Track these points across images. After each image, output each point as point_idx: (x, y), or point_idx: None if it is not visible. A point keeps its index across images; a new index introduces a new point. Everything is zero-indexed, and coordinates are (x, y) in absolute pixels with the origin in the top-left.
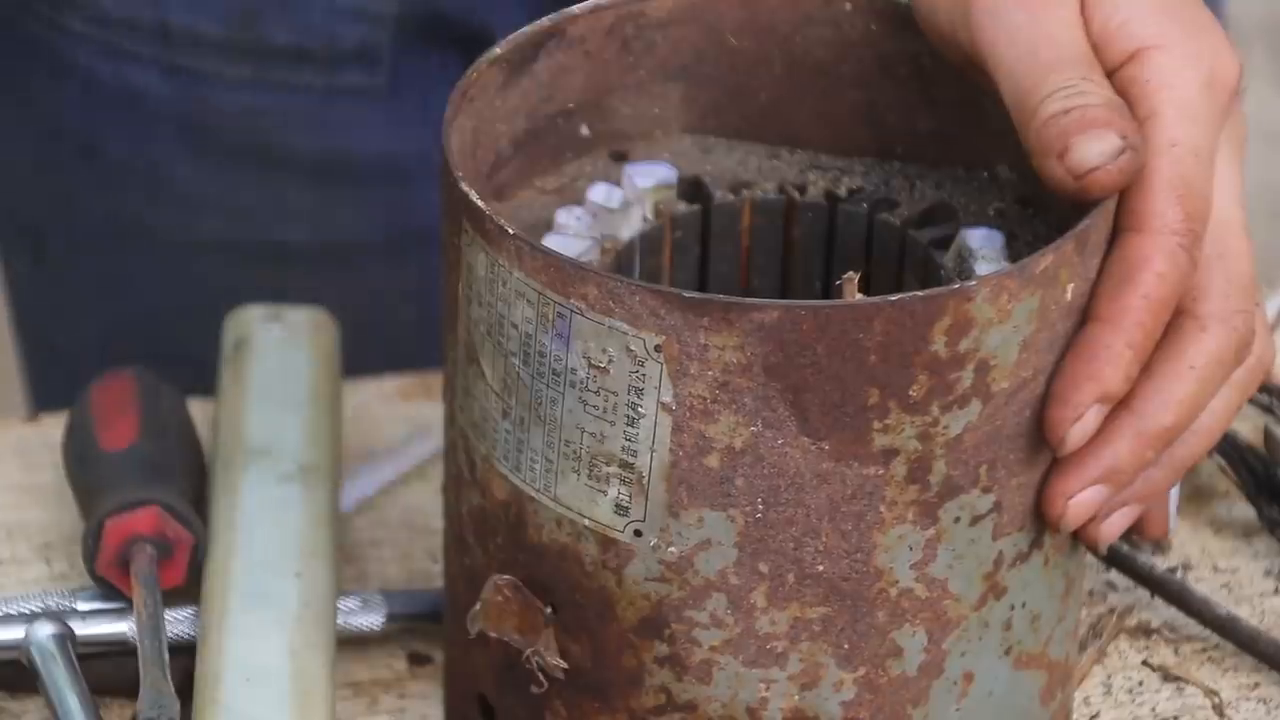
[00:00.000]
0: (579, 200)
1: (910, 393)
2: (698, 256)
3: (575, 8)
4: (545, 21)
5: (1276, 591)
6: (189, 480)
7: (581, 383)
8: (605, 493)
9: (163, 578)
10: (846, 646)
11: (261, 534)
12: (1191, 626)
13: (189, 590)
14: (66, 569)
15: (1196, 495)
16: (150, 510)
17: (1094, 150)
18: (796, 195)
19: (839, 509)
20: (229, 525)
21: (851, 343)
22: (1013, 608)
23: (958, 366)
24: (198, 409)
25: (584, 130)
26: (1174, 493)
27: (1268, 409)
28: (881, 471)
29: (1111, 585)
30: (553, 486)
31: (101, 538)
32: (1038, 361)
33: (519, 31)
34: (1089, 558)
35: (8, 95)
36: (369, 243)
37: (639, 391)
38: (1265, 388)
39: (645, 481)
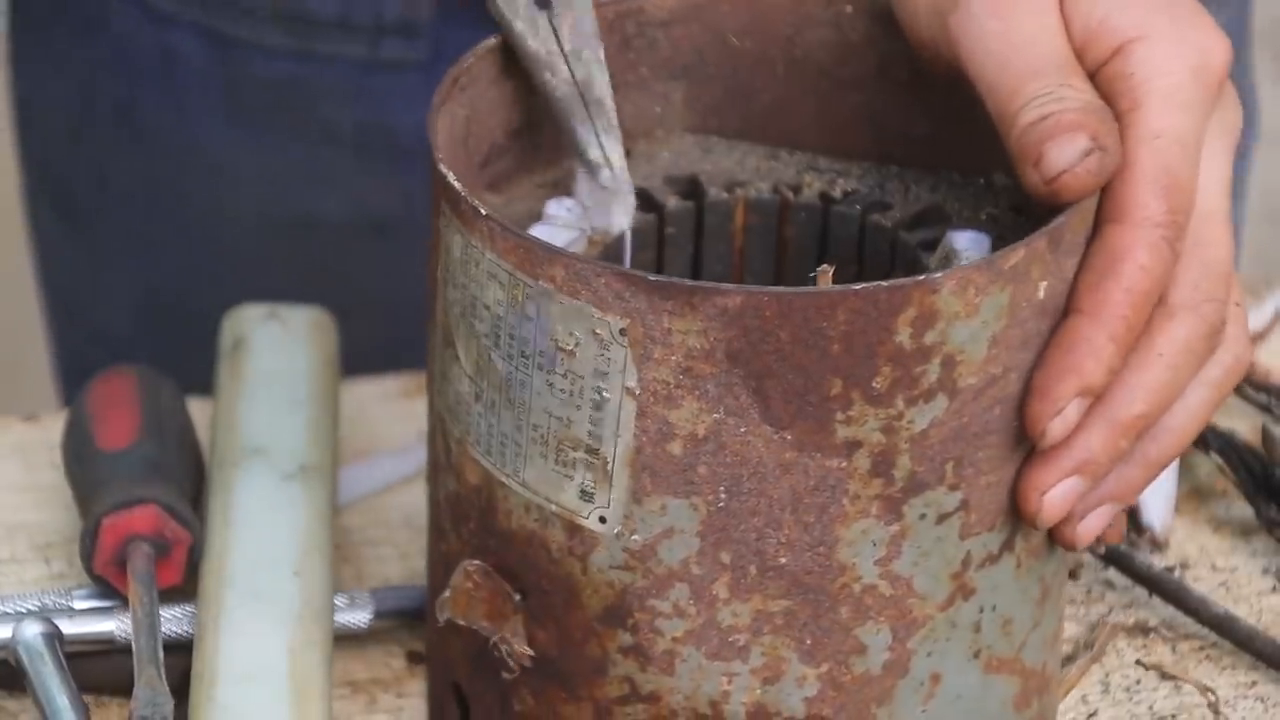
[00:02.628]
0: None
1: (874, 384)
2: (690, 254)
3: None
4: None
5: (1274, 590)
6: (188, 479)
7: (549, 365)
8: (571, 478)
9: (160, 577)
10: (809, 641)
11: (259, 533)
12: (1189, 625)
13: (186, 590)
14: (65, 569)
15: (1195, 494)
16: (148, 509)
17: (1063, 155)
18: (790, 195)
19: (801, 500)
20: (227, 524)
21: (814, 331)
22: (982, 610)
23: (923, 359)
24: (197, 408)
25: None
26: (1171, 491)
27: (1266, 409)
28: (844, 464)
29: (1109, 584)
30: (521, 471)
31: (99, 536)
32: (1008, 359)
33: None
34: (1087, 556)
35: (42, 57)
36: (403, 216)
37: (604, 375)
38: (1264, 387)
39: (610, 467)
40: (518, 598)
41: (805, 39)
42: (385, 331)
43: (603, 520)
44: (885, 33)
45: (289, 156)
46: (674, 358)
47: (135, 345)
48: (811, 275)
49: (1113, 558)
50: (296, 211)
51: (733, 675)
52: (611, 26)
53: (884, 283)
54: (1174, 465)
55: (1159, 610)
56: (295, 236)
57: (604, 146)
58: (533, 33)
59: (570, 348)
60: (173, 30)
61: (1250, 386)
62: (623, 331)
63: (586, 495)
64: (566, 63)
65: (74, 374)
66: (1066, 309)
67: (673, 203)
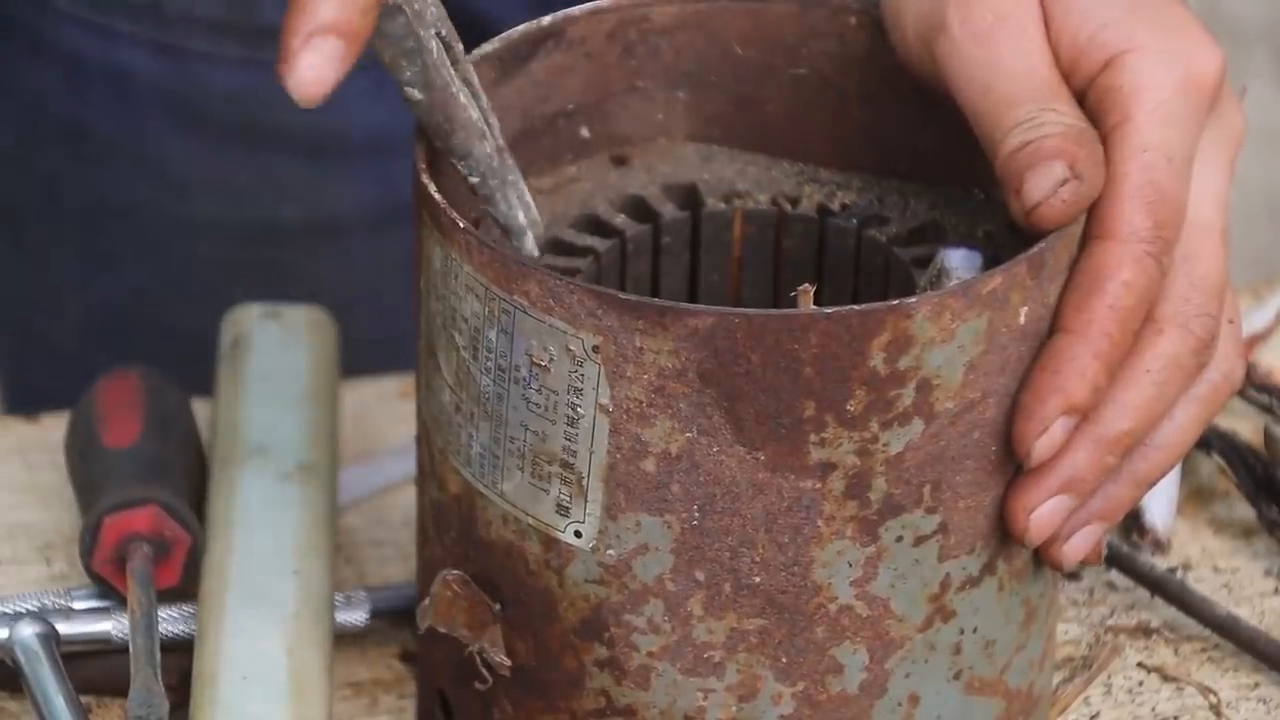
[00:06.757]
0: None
1: (848, 407)
2: (687, 264)
3: (575, 9)
4: (543, 21)
5: (1276, 591)
6: (190, 481)
7: (524, 380)
8: (547, 491)
9: (159, 578)
10: (784, 660)
11: (259, 532)
12: (1191, 626)
13: (184, 591)
14: (66, 569)
15: (1196, 495)
16: (149, 510)
17: (1039, 185)
18: (788, 207)
19: (775, 520)
20: (227, 524)
21: (786, 353)
22: (962, 632)
23: (898, 384)
24: (196, 409)
25: (584, 133)
26: (1174, 493)
27: (1267, 409)
28: (818, 485)
29: (1111, 585)
30: (499, 483)
31: (99, 535)
32: (987, 384)
33: (513, 30)
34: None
35: None
36: (360, 218)
37: (578, 392)
38: (1266, 388)
39: (584, 482)
40: (497, 608)
41: (810, 50)
42: (345, 328)
43: (578, 534)
44: (889, 46)
45: (244, 164)
46: (646, 376)
47: (88, 359)
48: (792, 294)
49: (1115, 559)
50: (253, 218)
51: (708, 691)
52: (612, 34)
53: (856, 306)
54: (1176, 467)
55: (1161, 612)
56: (254, 244)
57: (526, 207)
58: (470, 99)
59: (545, 363)
60: (123, 45)
61: (1252, 387)
62: (595, 349)
63: (562, 509)
64: (488, 123)
65: (24, 390)
66: (1052, 327)
67: (669, 212)
